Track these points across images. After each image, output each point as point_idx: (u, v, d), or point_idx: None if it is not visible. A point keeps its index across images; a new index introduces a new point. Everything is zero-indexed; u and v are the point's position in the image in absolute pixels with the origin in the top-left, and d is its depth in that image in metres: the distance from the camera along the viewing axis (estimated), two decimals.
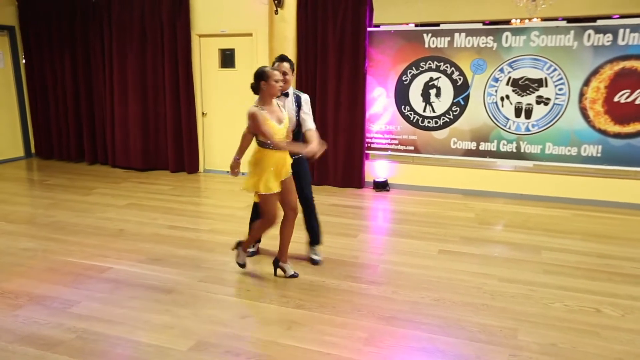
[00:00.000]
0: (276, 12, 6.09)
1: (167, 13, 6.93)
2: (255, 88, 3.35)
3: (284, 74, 3.52)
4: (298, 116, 3.67)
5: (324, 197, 5.98)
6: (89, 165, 7.90)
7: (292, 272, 3.68)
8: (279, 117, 3.38)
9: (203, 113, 7.32)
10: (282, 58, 3.67)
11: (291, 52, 6.18)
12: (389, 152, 6.49)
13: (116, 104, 7.44)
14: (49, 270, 3.77)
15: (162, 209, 5.44)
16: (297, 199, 3.68)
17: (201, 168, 7.48)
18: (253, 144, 3.49)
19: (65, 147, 8.11)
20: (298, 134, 3.69)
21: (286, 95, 3.63)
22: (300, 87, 6.30)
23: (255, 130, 3.36)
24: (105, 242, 4.40)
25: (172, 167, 7.39)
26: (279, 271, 3.71)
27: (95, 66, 7.59)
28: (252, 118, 3.28)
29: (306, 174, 3.85)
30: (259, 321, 3.05)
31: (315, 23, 6.23)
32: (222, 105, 7.21)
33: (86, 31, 7.53)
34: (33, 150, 8.46)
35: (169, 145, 7.33)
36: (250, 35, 6.76)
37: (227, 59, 7.10)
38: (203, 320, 3.04)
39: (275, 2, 6.05)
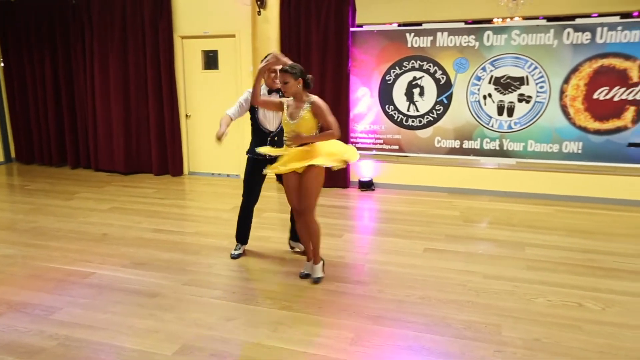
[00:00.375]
0: (259, 12, 6.07)
1: (149, 15, 6.86)
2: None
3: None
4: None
5: None
6: (71, 170, 7.79)
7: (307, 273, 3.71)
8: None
9: (187, 115, 7.26)
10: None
11: None
12: (374, 152, 6.51)
13: (98, 106, 7.34)
14: (30, 276, 3.71)
15: (146, 213, 5.39)
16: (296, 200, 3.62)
17: (185, 170, 7.42)
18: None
19: (47, 151, 7.97)
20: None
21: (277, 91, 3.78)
22: None
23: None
24: (88, 247, 4.33)
25: (156, 170, 7.31)
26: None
27: (76, 68, 7.48)
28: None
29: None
30: (244, 323, 3.03)
31: (298, 23, 6.23)
32: (205, 107, 7.16)
33: (66, 33, 7.41)
34: (13, 154, 8.31)
35: (153, 148, 7.25)
36: (233, 36, 6.73)
37: (211, 60, 7.06)
38: (188, 323, 3.01)
39: (258, 2, 6.03)
